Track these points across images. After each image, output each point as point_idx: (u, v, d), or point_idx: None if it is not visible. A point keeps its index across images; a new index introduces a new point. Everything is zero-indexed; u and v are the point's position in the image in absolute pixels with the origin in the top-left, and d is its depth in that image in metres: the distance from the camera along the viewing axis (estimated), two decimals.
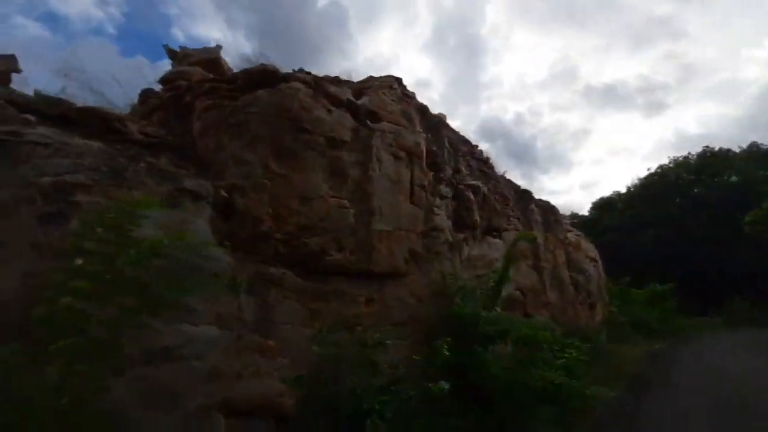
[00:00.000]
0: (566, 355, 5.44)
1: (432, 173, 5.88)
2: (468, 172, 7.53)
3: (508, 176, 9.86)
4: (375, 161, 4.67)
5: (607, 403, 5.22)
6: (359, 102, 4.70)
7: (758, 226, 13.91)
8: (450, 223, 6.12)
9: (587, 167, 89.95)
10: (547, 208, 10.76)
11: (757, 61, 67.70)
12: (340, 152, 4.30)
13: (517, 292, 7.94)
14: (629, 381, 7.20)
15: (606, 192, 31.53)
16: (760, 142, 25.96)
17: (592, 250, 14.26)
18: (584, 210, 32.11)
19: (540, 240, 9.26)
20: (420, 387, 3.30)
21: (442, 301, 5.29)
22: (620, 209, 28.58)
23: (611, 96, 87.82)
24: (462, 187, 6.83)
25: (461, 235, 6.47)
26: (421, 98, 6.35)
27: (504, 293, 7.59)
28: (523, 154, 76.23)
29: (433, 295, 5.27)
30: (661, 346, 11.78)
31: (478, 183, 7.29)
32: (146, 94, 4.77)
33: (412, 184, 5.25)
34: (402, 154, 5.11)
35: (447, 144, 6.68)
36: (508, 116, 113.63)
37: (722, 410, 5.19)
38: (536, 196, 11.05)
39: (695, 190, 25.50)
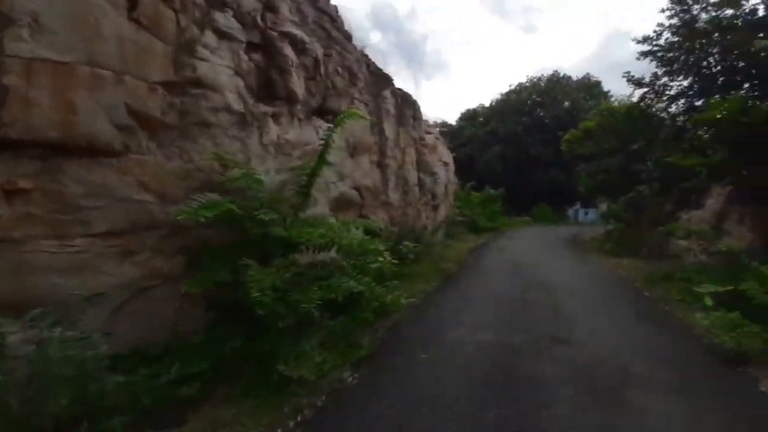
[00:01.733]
0: (380, 260, 4.71)
1: None
2: (296, 20, 5.22)
3: (368, 53, 7.92)
4: None
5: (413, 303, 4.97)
6: None
7: (573, 144, 16.24)
8: (242, 82, 4.03)
9: (468, 77, 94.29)
10: (406, 102, 9.55)
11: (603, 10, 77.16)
12: None
13: (353, 192, 6.88)
14: (449, 273, 7.52)
15: (475, 104, 33.18)
16: (591, 74, 30.36)
17: (446, 155, 14.51)
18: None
19: (390, 135, 8.14)
20: None
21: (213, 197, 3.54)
22: (481, 123, 30.85)
23: (500, 6, 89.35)
24: (275, 34, 4.60)
25: (268, 108, 4.52)
26: None
27: (336, 192, 6.40)
28: (413, 54, 73.64)
29: (195, 190, 3.44)
30: (483, 241, 13.56)
31: (305, 37, 5.14)
32: None
33: None
34: None
35: None
36: (404, 7, 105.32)
37: (509, 284, 5.73)
38: (421, 107, 9.70)
39: (538, 111, 28.96)
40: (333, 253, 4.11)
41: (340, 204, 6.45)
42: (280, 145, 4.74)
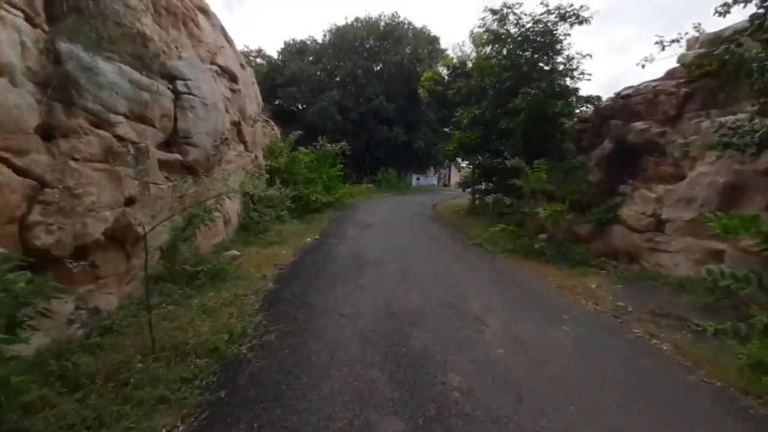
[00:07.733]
0: None
1: None
2: None
3: None
4: None
5: None
6: None
7: (435, 86, 12.13)
8: None
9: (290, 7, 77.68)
10: None
11: None
12: None
13: None
14: None
15: (303, 35, 25.44)
16: (428, 27, 27.63)
17: (234, 61, 7.12)
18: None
19: None
20: None
21: None
22: (311, 62, 23.84)
23: None
24: None
25: None
26: None
27: None
28: None
29: None
30: (316, 237, 7.41)
31: None
32: None
33: None
34: None
35: None
36: None
37: None
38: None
39: (380, 55, 24.25)
40: None
41: None
42: None
